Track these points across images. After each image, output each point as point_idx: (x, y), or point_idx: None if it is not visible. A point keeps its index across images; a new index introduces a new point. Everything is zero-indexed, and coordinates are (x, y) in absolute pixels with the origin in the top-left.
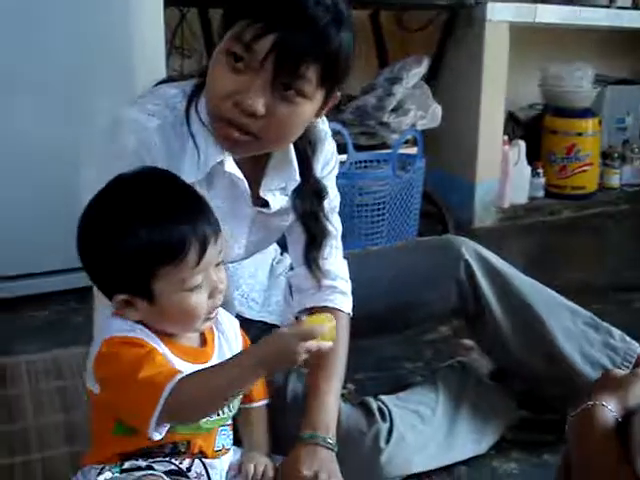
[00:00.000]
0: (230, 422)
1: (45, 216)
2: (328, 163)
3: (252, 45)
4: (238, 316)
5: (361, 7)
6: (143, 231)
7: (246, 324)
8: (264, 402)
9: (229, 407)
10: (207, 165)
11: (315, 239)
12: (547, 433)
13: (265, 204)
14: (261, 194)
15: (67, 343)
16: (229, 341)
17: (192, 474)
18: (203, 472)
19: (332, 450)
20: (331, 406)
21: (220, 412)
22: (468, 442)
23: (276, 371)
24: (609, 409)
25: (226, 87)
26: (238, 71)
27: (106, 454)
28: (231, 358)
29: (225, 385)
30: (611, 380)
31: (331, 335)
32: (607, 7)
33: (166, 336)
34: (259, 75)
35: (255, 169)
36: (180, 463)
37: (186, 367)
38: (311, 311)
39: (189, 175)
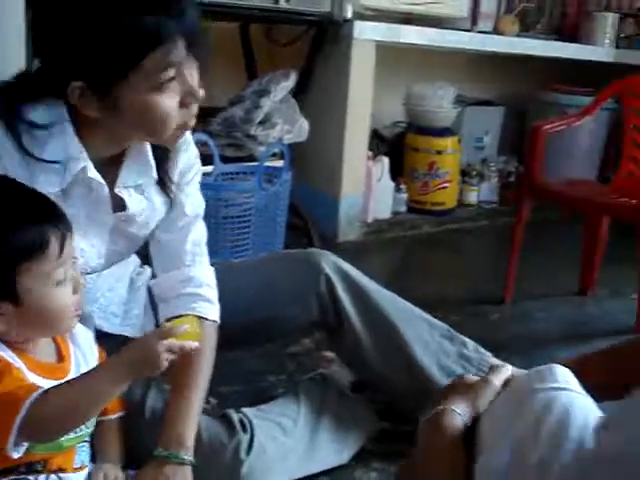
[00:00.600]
0: (88, 438)
1: None
2: (189, 170)
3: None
4: (98, 330)
5: (231, 19)
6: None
7: (106, 338)
8: (118, 415)
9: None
10: (70, 174)
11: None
12: (406, 444)
13: (123, 207)
14: (116, 191)
15: None
16: (85, 355)
17: None
18: None
19: (185, 465)
20: (189, 420)
21: (79, 429)
22: (329, 453)
23: (141, 377)
24: (458, 413)
25: (174, 110)
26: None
27: None
28: (91, 370)
29: (87, 399)
30: (462, 385)
31: (195, 334)
32: (470, 31)
33: (22, 351)
34: (187, 70)
35: (111, 169)
36: (35, 479)
37: (43, 383)
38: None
39: (48, 185)
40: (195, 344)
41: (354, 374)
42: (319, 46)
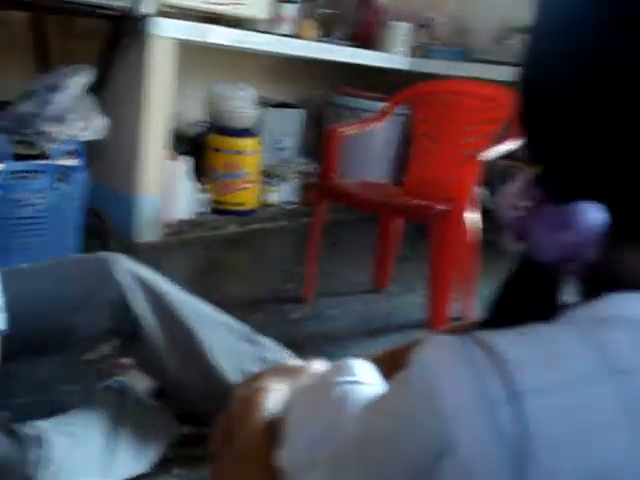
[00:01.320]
0: None
1: None
2: None
3: None
4: None
5: (21, 8)
6: None
7: None
8: None
9: None
10: None
11: None
12: (207, 447)
13: None
14: None
15: None
16: None
17: None
18: None
19: None
20: None
21: None
22: (128, 462)
23: None
24: (276, 394)
25: None
26: None
27: None
28: None
29: None
30: (282, 369)
31: None
32: (271, 34)
33: None
34: None
35: None
36: None
37: None
38: None
39: None
40: None
41: (152, 380)
42: (118, 41)
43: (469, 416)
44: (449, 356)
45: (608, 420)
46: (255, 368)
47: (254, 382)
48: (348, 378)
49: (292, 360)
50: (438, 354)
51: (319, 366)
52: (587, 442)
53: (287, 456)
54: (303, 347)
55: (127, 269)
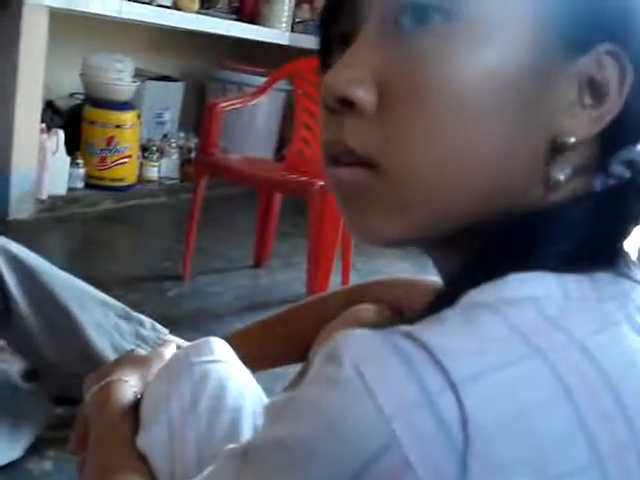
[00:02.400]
0: None
1: None
2: None
3: None
4: None
5: None
6: None
7: None
8: None
9: None
10: None
11: None
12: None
13: None
14: None
15: None
16: None
17: None
18: None
19: None
20: None
21: None
22: (1, 448)
23: None
24: (130, 384)
25: None
26: None
27: None
28: None
29: None
30: (132, 358)
31: None
32: (150, 4)
33: None
34: None
35: None
36: None
37: None
38: None
39: None
40: None
41: (25, 362)
42: None
43: (411, 411)
44: (379, 351)
45: (543, 395)
46: (131, 346)
47: (104, 375)
48: (208, 357)
49: (146, 349)
50: (367, 350)
51: (172, 351)
52: (526, 421)
53: (147, 439)
54: (181, 324)
55: (7, 245)
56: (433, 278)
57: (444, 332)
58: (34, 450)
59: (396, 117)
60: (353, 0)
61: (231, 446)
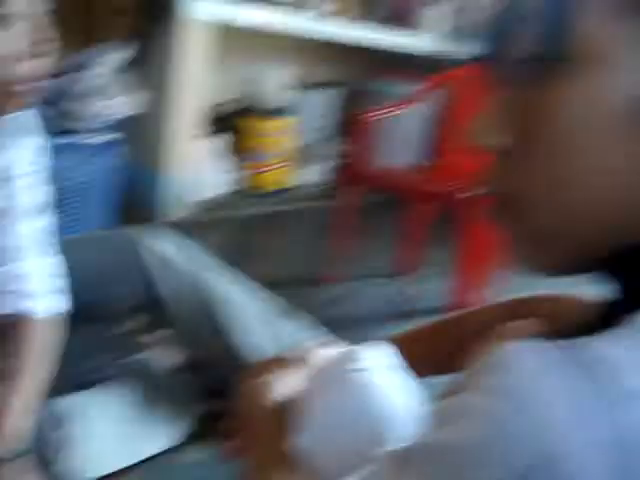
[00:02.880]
0: None
1: None
2: (14, 165)
3: None
4: None
5: None
6: None
7: None
8: None
9: None
10: None
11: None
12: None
13: None
14: None
15: None
16: None
17: None
18: None
19: (12, 460)
20: (21, 414)
21: None
22: (156, 437)
23: None
24: (281, 385)
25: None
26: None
27: None
28: None
29: None
30: (281, 360)
31: None
32: (305, 15)
33: None
34: None
35: None
36: None
37: None
38: None
39: None
40: None
41: (182, 354)
42: (152, 19)
43: (575, 429)
44: (556, 362)
45: None
46: (287, 345)
47: (255, 375)
48: (360, 365)
49: (301, 349)
50: (534, 362)
51: (323, 354)
52: None
53: (302, 441)
54: (327, 329)
55: (159, 245)
56: (574, 292)
57: (622, 346)
58: (188, 439)
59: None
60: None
61: (391, 449)
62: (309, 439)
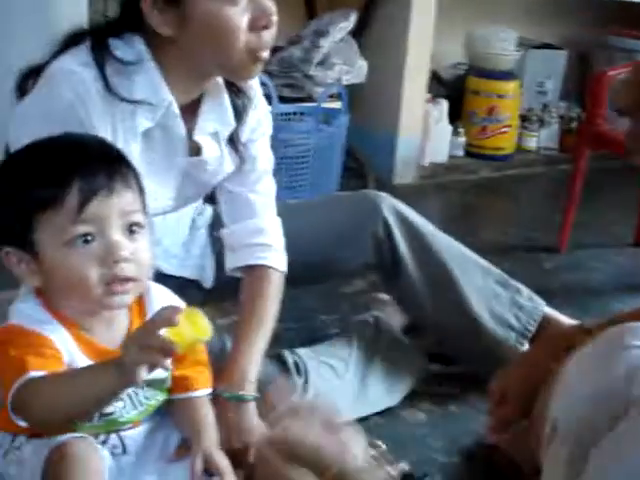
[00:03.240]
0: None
1: None
2: (260, 125)
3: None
4: (156, 272)
5: None
6: (26, 173)
7: (164, 280)
8: (204, 392)
9: (155, 391)
10: (156, 113)
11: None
12: (454, 386)
13: (198, 153)
14: (195, 137)
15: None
16: None
17: (108, 446)
18: (119, 443)
19: (246, 401)
20: (251, 361)
21: (139, 405)
22: (380, 394)
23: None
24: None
25: (243, 23)
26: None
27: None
28: (87, 368)
29: (80, 394)
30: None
31: (202, 332)
32: None
33: (80, 331)
34: None
35: (190, 117)
36: (96, 437)
37: None
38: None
39: (132, 128)
40: (204, 338)
41: (406, 317)
42: None
43: None
44: None
45: None
46: (508, 313)
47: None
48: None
49: None
50: None
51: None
52: None
53: (565, 405)
54: (556, 297)
55: (392, 207)
56: None
57: None
58: (408, 400)
59: None
60: None
61: None
62: (565, 405)
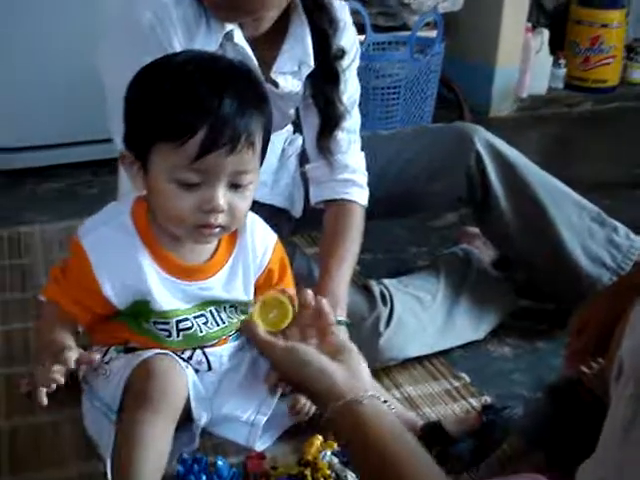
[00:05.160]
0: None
1: (65, 89)
2: (348, 54)
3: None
4: None
5: None
6: (167, 95)
7: (254, 207)
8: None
9: (237, 312)
10: (219, 35)
11: (329, 126)
12: (542, 322)
13: (276, 86)
14: (272, 76)
15: (80, 214)
16: (247, 262)
17: (193, 362)
18: (203, 360)
19: (339, 324)
20: (340, 288)
21: (220, 322)
22: (466, 328)
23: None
24: None
25: None
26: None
27: (109, 338)
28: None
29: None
30: None
31: (285, 313)
32: None
33: (160, 248)
34: None
35: (269, 51)
36: (182, 353)
37: (174, 284)
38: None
39: (203, 47)
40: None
41: (497, 251)
42: None
43: None
44: None
45: None
46: (602, 251)
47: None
48: None
49: None
50: None
51: None
52: None
53: (624, 348)
54: None
55: (486, 140)
56: None
57: None
58: (495, 334)
59: None
60: None
61: None
62: (630, 347)
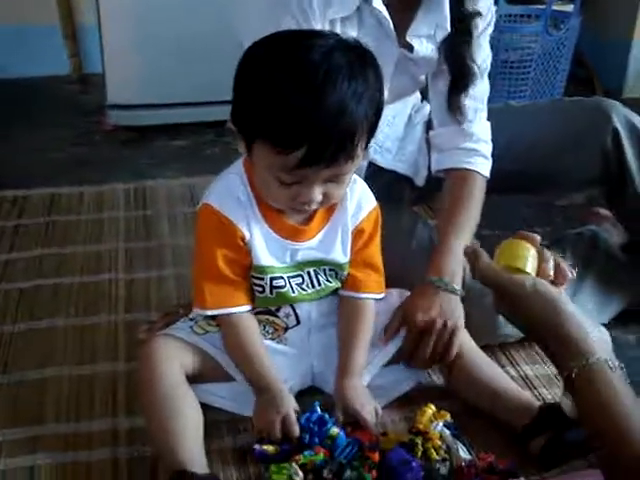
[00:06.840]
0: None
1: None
2: (484, 18)
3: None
4: (371, 164)
5: None
6: (291, 93)
7: (378, 173)
8: (369, 295)
9: (336, 277)
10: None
11: (460, 85)
12: None
13: (410, 50)
14: (407, 39)
15: (203, 172)
16: (347, 224)
17: (281, 314)
18: (291, 312)
19: (455, 294)
20: (458, 257)
21: (317, 284)
22: (589, 312)
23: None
24: None
25: None
26: None
27: None
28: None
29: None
30: None
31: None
32: None
33: (273, 212)
34: None
35: (404, 14)
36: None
37: (282, 244)
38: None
39: (340, 9)
40: None
41: (627, 234)
42: None
43: None
44: None
45: None
46: None
47: None
48: None
49: None
50: None
51: None
52: None
53: None
54: None
55: (624, 116)
56: None
57: None
58: (620, 320)
59: None
60: None
61: None
62: None
